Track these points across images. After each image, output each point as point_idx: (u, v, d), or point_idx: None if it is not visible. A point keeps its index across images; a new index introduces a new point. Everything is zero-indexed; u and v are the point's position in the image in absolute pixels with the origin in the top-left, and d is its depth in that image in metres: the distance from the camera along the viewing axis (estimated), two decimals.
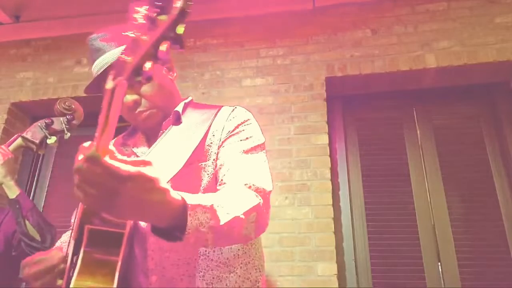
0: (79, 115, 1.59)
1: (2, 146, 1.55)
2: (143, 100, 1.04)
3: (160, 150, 1.01)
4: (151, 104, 1.05)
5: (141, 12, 0.58)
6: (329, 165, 2.28)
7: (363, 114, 2.64)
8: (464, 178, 2.37)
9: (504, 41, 2.35)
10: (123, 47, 1.00)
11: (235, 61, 2.65)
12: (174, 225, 0.69)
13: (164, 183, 0.65)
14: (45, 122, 1.55)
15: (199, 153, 0.99)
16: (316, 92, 2.46)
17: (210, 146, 1.01)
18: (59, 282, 0.91)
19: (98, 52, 1.06)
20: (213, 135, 1.03)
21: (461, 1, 2.50)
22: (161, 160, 0.97)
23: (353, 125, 2.61)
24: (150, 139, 1.09)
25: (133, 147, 1.11)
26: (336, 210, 2.30)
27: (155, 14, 0.57)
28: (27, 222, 1.60)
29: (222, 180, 0.95)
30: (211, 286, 0.92)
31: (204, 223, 0.72)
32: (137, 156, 1.06)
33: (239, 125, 1.05)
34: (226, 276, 0.94)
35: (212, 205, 0.75)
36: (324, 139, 2.34)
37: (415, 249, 2.22)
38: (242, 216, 0.80)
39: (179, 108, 1.10)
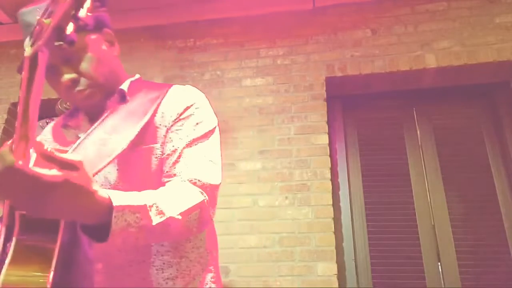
0: None
1: None
2: (82, 79, 0.94)
3: (103, 130, 0.94)
4: (91, 82, 0.96)
5: None
6: (329, 165, 2.28)
7: (363, 114, 2.64)
8: (464, 178, 2.37)
9: (504, 41, 2.35)
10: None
11: (235, 61, 2.65)
12: (100, 225, 0.68)
13: (92, 186, 0.65)
14: (46, 122, 1.55)
15: (147, 134, 0.93)
16: (316, 92, 2.46)
17: (159, 127, 0.95)
18: None
19: (29, 27, 0.95)
20: (162, 117, 0.96)
21: (461, 1, 2.50)
22: (104, 140, 0.90)
23: (353, 125, 2.61)
24: (94, 119, 0.98)
25: (76, 130, 1.02)
26: (336, 210, 2.30)
27: None
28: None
29: (168, 172, 0.91)
30: (161, 272, 0.89)
31: (133, 223, 0.71)
32: (78, 136, 0.99)
33: (188, 107, 0.98)
34: (177, 261, 0.91)
35: (146, 205, 0.74)
36: (324, 139, 2.34)
37: (415, 249, 2.22)
38: (178, 217, 0.79)
39: (124, 86, 1.02)
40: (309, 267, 2.08)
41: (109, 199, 0.68)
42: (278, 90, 2.52)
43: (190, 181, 0.88)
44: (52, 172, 0.59)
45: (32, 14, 0.94)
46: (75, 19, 0.54)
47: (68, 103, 1.56)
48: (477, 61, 2.34)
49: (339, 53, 2.54)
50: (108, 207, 0.68)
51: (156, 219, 0.74)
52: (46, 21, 0.56)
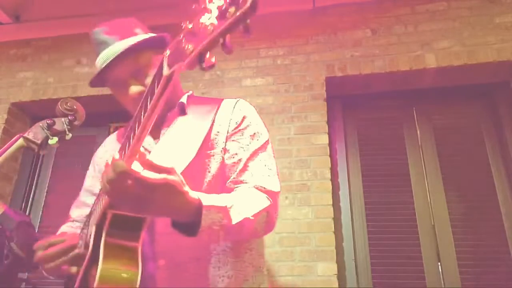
0: (81, 115, 1.59)
1: None
2: None
3: (169, 141, 1.04)
4: None
5: (211, 2, 0.59)
6: (329, 165, 2.28)
7: (363, 114, 2.64)
8: (464, 178, 2.37)
9: (504, 41, 2.35)
10: (129, 39, 1.03)
11: (235, 61, 2.64)
12: (191, 222, 0.78)
13: (184, 187, 0.76)
14: (46, 122, 1.55)
15: (207, 143, 1.03)
16: (316, 92, 2.46)
17: (217, 135, 1.06)
18: (74, 269, 0.93)
19: (102, 45, 1.07)
20: (220, 125, 1.07)
21: (461, 1, 2.50)
22: (171, 150, 1.00)
23: (353, 125, 2.61)
24: (153, 129, 1.10)
25: None
26: (336, 210, 2.30)
27: (224, 6, 0.58)
28: (11, 244, 1.57)
29: (235, 178, 1.02)
30: (217, 270, 0.96)
31: (217, 222, 0.81)
32: (144, 147, 1.08)
33: (244, 117, 1.10)
34: (232, 261, 0.99)
35: (226, 206, 0.84)
36: (324, 139, 2.34)
37: (415, 249, 2.22)
38: (252, 218, 0.89)
39: (184, 99, 1.13)
40: (309, 267, 2.08)
41: (199, 199, 0.79)
42: (278, 90, 2.52)
43: (257, 187, 0.99)
44: (155, 175, 0.71)
45: (106, 33, 1.07)
46: (223, 46, 0.60)
47: (69, 104, 1.57)
48: (477, 61, 2.34)
49: (339, 53, 2.54)
50: (197, 207, 0.78)
51: (235, 219, 0.85)
52: (189, 45, 0.62)
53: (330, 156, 2.32)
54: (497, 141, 2.40)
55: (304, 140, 2.35)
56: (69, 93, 2.76)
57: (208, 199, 0.81)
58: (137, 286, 0.79)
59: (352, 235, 2.30)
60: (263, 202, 0.96)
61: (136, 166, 0.74)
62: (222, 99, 1.15)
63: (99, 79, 1.12)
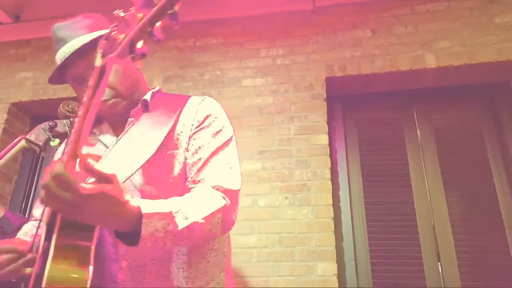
0: None
1: None
2: (106, 89, 1.00)
3: (130, 138, 1.02)
4: (115, 93, 1.05)
5: None
6: (329, 165, 2.28)
7: (363, 114, 2.64)
8: (464, 178, 2.37)
9: (504, 41, 2.35)
10: (88, 35, 1.02)
11: (235, 61, 2.64)
12: (132, 231, 0.76)
13: (123, 196, 0.73)
14: (48, 124, 1.55)
15: (170, 142, 1.01)
16: (316, 92, 2.46)
17: (180, 135, 1.03)
18: (28, 270, 0.91)
19: (61, 41, 1.06)
20: (183, 125, 1.05)
21: (461, 1, 2.50)
22: (132, 148, 0.98)
23: (353, 125, 2.61)
24: (116, 127, 1.09)
25: (98, 135, 1.10)
26: (336, 210, 2.30)
27: None
28: None
29: (193, 178, 0.99)
30: (181, 271, 0.94)
31: (161, 229, 0.79)
32: (104, 144, 1.07)
33: (207, 116, 1.07)
34: (197, 262, 0.97)
35: (171, 211, 0.82)
36: (324, 139, 2.34)
37: (415, 249, 2.22)
38: (202, 221, 0.86)
39: (147, 96, 1.10)
40: (309, 267, 2.08)
41: (139, 207, 0.76)
42: (278, 90, 2.52)
43: (213, 187, 0.96)
44: (90, 185, 0.69)
45: (65, 29, 1.06)
46: (150, 35, 0.59)
47: (71, 106, 1.57)
48: (477, 61, 2.34)
49: (339, 53, 2.54)
50: (138, 215, 0.76)
51: (181, 224, 0.82)
52: (120, 36, 0.61)
53: (330, 156, 2.32)
54: (497, 141, 2.39)
55: (304, 140, 2.35)
56: (69, 93, 2.76)
57: (150, 207, 0.79)
58: (88, 286, 0.76)
59: (352, 235, 2.30)
60: (217, 202, 0.93)
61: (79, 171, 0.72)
62: (189, 97, 1.13)
63: (58, 76, 1.11)
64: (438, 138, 2.46)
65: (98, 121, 1.13)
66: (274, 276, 2.08)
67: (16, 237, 1.16)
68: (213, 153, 1.01)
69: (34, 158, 2.88)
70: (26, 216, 2.68)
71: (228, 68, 2.63)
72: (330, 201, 2.20)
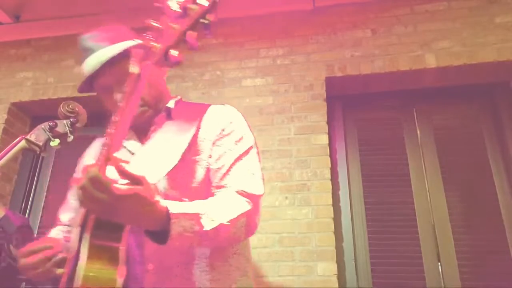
0: (83, 118, 1.60)
1: None
2: None
3: (155, 145, 1.06)
4: (143, 102, 1.08)
5: (173, 2, 0.62)
6: (329, 165, 2.28)
7: (363, 114, 2.64)
8: (464, 178, 2.37)
9: (504, 41, 2.35)
10: (115, 46, 1.06)
11: (235, 61, 2.64)
12: (161, 230, 0.81)
13: (154, 197, 0.78)
14: (48, 124, 1.55)
15: (193, 148, 1.05)
16: (316, 92, 2.46)
17: (203, 141, 1.07)
18: (59, 270, 0.94)
19: (88, 51, 1.10)
20: (205, 131, 1.09)
21: (461, 1, 2.50)
22: (157, 154, 1.02)
23: (353, 125, 2.61)
24: (140, 133, 1.13)
25: (123, 141, 1.13)
26: (336, 210, 2.30)
27: (187, 4, 0.60)
28: (10, 246, 1.57)
29: (217, 183, 1.03)
30: (204, 273, 0.98)
31: (189, 229, 0.83)
32: (128, 150, 1.11)
33: (230, 123, 1.12)
34: (219, 265, 1.00)
35: (198, 213, 0.86)
36: (324, 139, 2.34)
37: (415, 249, 2.22)
38: (228, 223, 0.91)
39: (170, 104, 1.15)
40: (309, 267, 2.08)
41: (167, 208, 0.81)
42: (278, 90, 2.52)
43: (237, 192, 1.00)
44: (124, 186, 0.74)
45: (93, 39, 1.10)
46: (185, 44, 0.63)
47: (71, 106, 1.58)
48: (477, 61, 2.34)
49: (339, 53, 2.54)
50: (166, 215, 0.81)
51: (208, 225, 0.87)
52: (157, 45, 0.65)
53: (330, 156, 2.32)
54: (497, 141, 2.40)
55: (304, 140, 2.35)
56: (69, 93, 2.76)
57: (178, 207, 0.83)
58: (119, 286, 0.80)
59: (352, 235, 2.30)
60: (242, 206, 0.97)
61: (112, 173, 0.76)
62: (209, 105, 1.17)
63: (86, 85, 1.14)
64: (438, 138, 2.46)
65: None
66: (274, 276, 2.08)
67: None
68: (236, 160, 1.05)
69: (34, 158, 2.88)
70: (26, 215, 2.68)
71: (228, 68, 2.63)
72: (330, 201, 2.20)
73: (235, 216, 0.93)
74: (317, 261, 2.08)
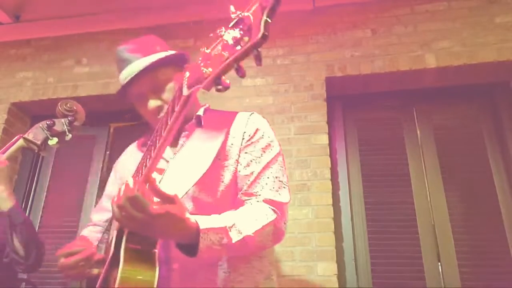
0: (81, 116, 1.60)
1: None
2: (165, 106, 1.12)
3: (187, 152, 1.11)
4: None
5: (228, 32, 0.67)
6: (329, 165, 2.28)
7: (363, 114, 2.64)
8: (464, 178, 2.37)
9: (504, 41, 2.35)
10: (149, 57, 1.13)
11: None
12: (192, 244, 0.88)
13: (185, 215, 0.85)
14: (46, 123, 1.55)
15: (222, 153, 1.10)
16: (316, 92, 2.46)
17: (231, 147, 1.12)
18: (95, 271, 1.00)
19: (125, 62, 1.16)
20: (234, 137, 1.13)
21: (461, 1, 2.50)
22: (189, 161, 1.07)
23: (353, 125, 2.61)
24: (172, 140, 1.17)
25: None
26: (336, 210, 2.30)
27: (239, 35, 0.65)
28: (14, 236, 1.58)
29: (246, 190, 1.08)
30: (228, 275, 1.02)
31: (217, 242, 0.89)
32: (163, 157, 1.15)
33: (257, 130, 1.15)
34: (243, 267, 1.04)
35: (225, 226, 0.92)
36: (324, 139, 2.34)
37: (415, 249, 2.22)
38: (253, 235, 0.96)
39: (200, 112, 1.20)
40: (309, 267, 2.08)
41: (197, 223, 0.87)
42: (278, 90, 2.52)
43: (265, 201, 1.05)
44: (158, 205, 0.81)
45: (128, 51, 1.17)
46: (236, 71, 0.67)
47: (69, 105, 1.58)
48: (477, 61, 2.34)
49: (339, 53, 2.54)
50: (196, 230, 0.87)
51: (235, 238, 0.93)
52: (207, 69, 0.69)
53: (330, 156, 2.32)
54: (497, 141, 2.40)
55: (304, 140, 2.35)
56: (69, 93, 2.76)
57: (207, 222, 0.90)
58: (155, 287, 0.86)
59: (352, 235, 2.30)
60: (268, 216, 1.01)
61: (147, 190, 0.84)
62: (237, 112, 1.22)
63: (122, 93, 1.20)
64: (438, 138, 2.46)
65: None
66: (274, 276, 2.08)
67: (78, 237, 1.26)
68: (264, 168, 1.10)
69: (34, 158, 2.88)
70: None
71: None
72: (330, 201, 2.20)
73: (261, 227, 0.98)
74: (317, 261, 2.08)
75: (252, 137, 1.14)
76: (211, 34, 0.71)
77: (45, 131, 1.55)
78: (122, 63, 1.17)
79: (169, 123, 0.81)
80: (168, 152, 1.15)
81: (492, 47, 2.35)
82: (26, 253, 1.57)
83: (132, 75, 1.13)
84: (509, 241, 2.17)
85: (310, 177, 2.26)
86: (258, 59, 0.64)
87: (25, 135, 1.55)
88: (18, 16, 2.95)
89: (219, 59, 0.68)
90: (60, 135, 1.57)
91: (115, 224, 0.98)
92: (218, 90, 0.70)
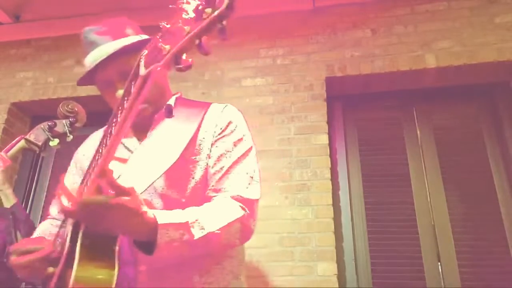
0: (82, 117, 1.60)
1: (1, 153, 1.54)
2: None
3: (153, 142, 1.04)
4: (144, 100, 1.05)
5: (188, 3, 0.59)
6: (329, 165, 2.28)
7: (363, 114, 2.64)
8: (464, 178, 2.37)
9: (504, 41, 2.35)
10: (120, 40, 1.04)
11: (235, 61, 2.64)
12: (149, 241, 0.81)
13: (141, 208, 0.78)
14: (48, 124, 1.56)
15: (192, 147, 1.03)
16: (316, 92, 2.46)
17: (202, 141, 1.05)
18: (50, 269, 0.92)
19: (92, 45, 1.07)
20: (205, 131, 1.06)
21: (461, 1, 2.50)
22: (155, 152, 1.00)
23: (353, 125, 2.61)
24: (138, 130, 1.10)
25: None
26: (336, 210, 2.30)
27: (201, 6, 0.58)
28: (18, 234, 1.58)
29: (214, 186, 1.02)
30: (198, 276, 0.97)
31: (177, 239, 0.82)
32: (126, 147, 1.08)
33: (229, 123, 1.09)
34: (213, 268, 1.00)
35: (187, 221, 0.85)
36: (324, 139, 2.34)
37: (415, 249, 2.22)
38: (218, 231, 0.90)
39: (171, 102, 1.12)
40: (309, 267, 2.07)
41: (155, 218, 0.80)
42: (278, 90, 2.52)
43: (233, 197, 0.99)
44: (110, 198, 0.75)
45: (96, 33, 1.07)
46: (199, 48, 0.60)
47: (70, 106, 1.58)
48: (477, 61, 2.34)
49: (339, 53, 2.54)
50: (154, 226, 0.80)
51: (197, 234, 0.86)
52: (166, 47, 0.62)
53: (330, 156, 2.32)
54: (497, 141, 2.39)
55: (304, 140, 2.35)
56: (69, 93, 2.76)
57: (166, 217, 0.83)
58: (113, 286, 0.79)
59: (352, 235, 2.30)
60: (235, 213, 0.95)
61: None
62: (210, 104, 1.15)
63: (87, 79, 1.12)
64: (438, 138, 2.46)
65: None
66: (274, 276, 2.08)
67: (36, 235, 1.17)
68: (235, 163, 1.03)
69: (34, 158, 2.88)
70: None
71: (228, 68, 2.63)
72: (330, 201, 2.20)
73: (227, 223, 0.92)
74: (317, 261, 2.08)
75: (224, 130, 1.07)
76: (170, 5, 0.62)
77: (46, 132, 1.55)
78: (89, 46, 1.07)
79: (125, 106, 0.72)
80: (133, 142, 1.08)
81: (492, 47, 2.35)
82: None
83: (100, 59, 1.03)
84: (509, 241, 2.17)
85: (310, 177, 2.26)
86: (223, 33, 0.58)
87: (27, 136, 1.56)
88: (18, 16, 2.95)
89: (180, 34, 0.60)
90: (61, 136, 1.57)
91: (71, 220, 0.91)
92: (178, 70, 0.61)
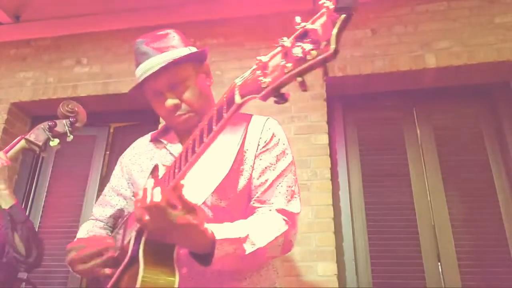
0: (82, 117, 1.60)
1: (0, 153, 1.54)
2: (183, 104, 1.10)
3: (204, 153, 1.08)
4: (190, 108, 1.11)
5: (295, 44, 0.65)
6: (329, 165, 2.28)
7: (363, 114, 2.64)
8: (464, 178, 2.37)
9: (504, 41, 2.35)
10: (169, 52, 1.10)
11: (235, 61, 2.64)
12: (206, 254, 0.88)
13: (203, 226, 0.85)
14: (48, 124, 1.56)
15: (239, 159, 1.08)
16: (316, 92, 2.46)
17: (246, 152, 1.10)
18: (107, 270, 0.97)
19: (143, 56, 1.12)
20: (249, 143, 1.11)
21: (461, 1, 2.50)
22: (206, 163, 1.02)
23: (353, 125, 2.61)
24: (183, 138, 1.15)
25: (166, 144, 1.18)
26: (336, 210, 2.30)
27: (308, 47, 0.62)
28: (15, 235, 1.58)
29: (258, 197, 1.07)
30: (237, 282, 1.01)
31: (230, 253, 0.90)
32: (171, 153, 1.14)
33: (272, 137, 1.13)
34: (250, 274, 1.04)
35: (240, 237, 0.92)
36: (324, 139, 2.34)
37: (415, 249, 2.22)
38: (265, 246, 0.96)
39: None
40: (309, 267, 2.07)
41: (213, 234, 0.88)
42: None
43: (277, 210, 1.04)
44: (180, 214, 0.82)
45: (149, 44, 1.12)
46: (300, 85, 0.63)
47: (70, 106, 1.58)
48: (477, 61, 2.34)
49: (339, 53, 2.53)
50: (212, 241, 0.87)
51: (248, 249, 0.93)
52: (265, 79, 0.67)
53: (330, 156, 2.32)
54: (497, 141, 2.40)
55: (304, 140, 2.35)
56: (69, 93, 2.76)
57: (223, 233, 0.90)
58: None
59: (352, 235, 2.30)
60: (280, 227, 1.01)
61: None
62: (251, 115, 1.19)
63: (137, 88, 1.16)
64: (438, 138, 2.46)
65: (166, 131, 1.23)
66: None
67: (81, 235, 1.19)
68: (279, 176, 1.08)
69: (34, 158, 2.88)
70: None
71: (228, 68, 2.63)
72: (330, 201, 2.20)
73: (274, 238, 0.97)
74: (317, 261, 2.08)
75: (268, 143, 1.12)
76: (279, 43, 0.70)
77: (47, 132, 1.56)
78: (141, 56, 1.12)
79: (214, 128, 0.78)
80: (178, 148, 1.13)
81: (492, 47, 2.35)
82: (27, 252, 1.57)
83: (151, 71, 1.07)
84: (509, 241, 2.17)
85: (310, 177, 2.26)
86: (325, 73, 0.63)
87: (27, 136, 1.56)
88: (18, 16, 2.95)
89: (281, 70, 0.65)
90: (62, 136, 1.57)
91: (135, 225, 0.96)
92: (276, 102, 0.67)
